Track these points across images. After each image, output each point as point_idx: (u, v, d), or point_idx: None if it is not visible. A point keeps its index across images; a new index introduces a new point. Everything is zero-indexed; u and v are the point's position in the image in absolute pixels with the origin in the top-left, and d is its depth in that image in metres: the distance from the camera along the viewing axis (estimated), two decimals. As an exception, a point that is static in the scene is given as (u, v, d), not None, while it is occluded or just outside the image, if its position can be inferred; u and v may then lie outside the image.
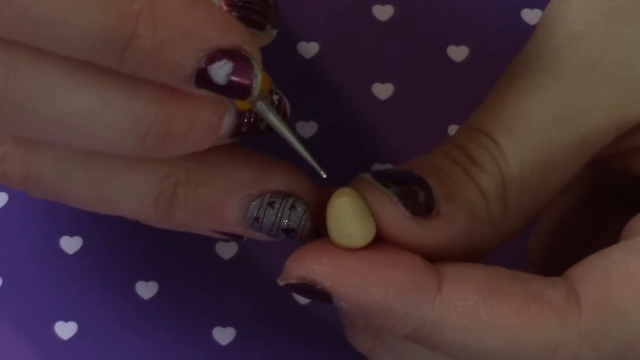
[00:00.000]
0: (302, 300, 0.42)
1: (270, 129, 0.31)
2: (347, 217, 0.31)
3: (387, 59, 0.45)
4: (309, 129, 0.44)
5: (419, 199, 0.31)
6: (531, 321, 0.30)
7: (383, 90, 0.45)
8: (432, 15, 0.46)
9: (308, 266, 0.31)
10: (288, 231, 0.32)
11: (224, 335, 0.41)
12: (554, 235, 0.39)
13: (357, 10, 0.46)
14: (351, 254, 0.31)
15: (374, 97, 0.45)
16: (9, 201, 0.43)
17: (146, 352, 0.41)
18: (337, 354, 0.40)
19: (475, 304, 0.30)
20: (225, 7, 0.29)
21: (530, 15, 0.46)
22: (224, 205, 0.32)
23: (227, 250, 0.42)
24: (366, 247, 0.31)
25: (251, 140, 0.32)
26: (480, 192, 0.32)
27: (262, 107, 0.30)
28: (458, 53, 0.46)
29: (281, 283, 0.31)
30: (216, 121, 0.30)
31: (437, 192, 0.32)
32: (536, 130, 0.32)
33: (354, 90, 0.45)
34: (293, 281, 0.31)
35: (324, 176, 0.31)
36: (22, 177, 0.31)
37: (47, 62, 0.28)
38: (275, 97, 0.32)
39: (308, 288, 0.31)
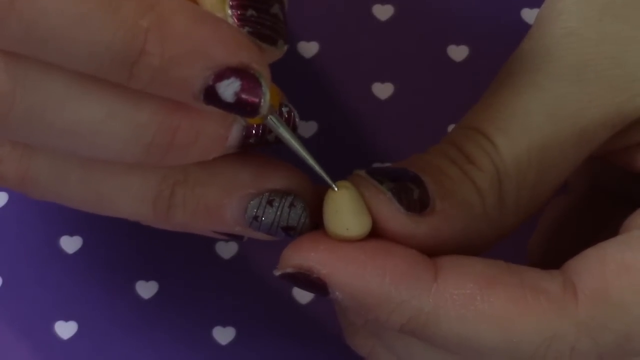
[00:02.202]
0: (302, 300, 0.42)
1: (278, 140, 0.31)
2: (344, 210, 0.31)
3: (387, 59, 0.45)
4: (309, 129, 0.44)
5: (413, 196, 0.31)
6: (528, 311, 0.30)
7: (383, 90, 0.45)
8: (432, 15, 0.46)
9: (304, 254, 0.31)
10: (288, 229, 0.32)
11: (224, 335, 0.41)
12: (554, 235, 0.39)
13: (357, 10, 0.46)
14: (348, 243, 0.31)
15: (374, 97, 0.45)
16: (9, 201, 0.43)
17: (146, 352, 0.41)
18: (337, 354, 0.40)
19: (471, 293, 0.30)
20: (237, 22, 0.29)
21: (530, 15, 0.46)
22: (222, 205, 0.32)
23: (227, 250, 0.42)
24: (362, 239, 0.31)
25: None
26: (476, 190, 0.32)
27: (272, 121, 0.30)
28: (458, 53, 0.46)
29: (277, 273, 0.31)
30: (223, 132, 0.30)
31: (432, 189, 0.32)
32: (532, 129, 0.32)
33: (354, 90, 0.45)
34: (289, 270, 0.31)
35: (335, 189, 0.31)
36: (20, 179, 0.31)
37: (54, 73, 0.28)
38: (285, 110, 0.32)
39: (304, 277, 0.31)
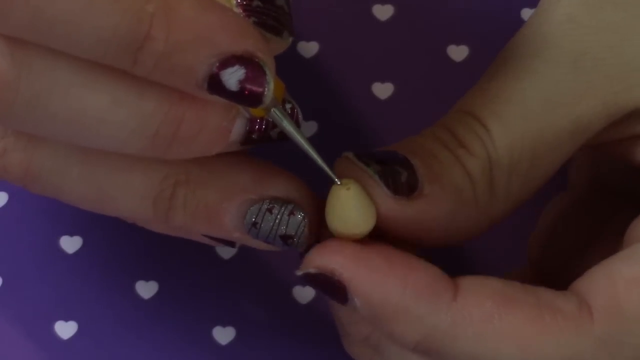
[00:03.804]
0: (302, 300, 0.42)
1: (281, 137, 0.31)
2: (350, 207, 0.31)
3: (387, 59, 0.45)
4: (309, 128, 0.44)
5: (401, 179, 0.31)
6: (545, 330, 0.30)
7: (383, 90, 0.45)
8: (432, 15, 0.46)
9: (329, 256, 0.31)
10: (286, 238, 0.32)
11: (224, 335, 0.41)
12: (554, 233, 0.39)
13: (357, 10, 0.46)
14: (373, 250, 0.31)
15: (374, 97, 0.45)
16: (9, 201, 0.43)
17: (146, 352, 0.41)
18: (337, 354, 0.40)
19: (489, 312, 0.30)
20: (242, 12, 0.29)
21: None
22: (222, 209, 0.32)
23: (227, 250, 0.42)
24: (386, 247, 0.31)
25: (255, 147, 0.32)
26: (467, 174, 0.32)
27: (276, 114, 0.30)
28: (458, 53, 0.46)
29: (299, 273, 0.31)
30: (226, 125, 0.30)
31: (422, 172, 0.32)
32: (526, 115, 0.32)
33: (354, 90, 0.45)
34: (311, 270, 0.31)
35: (339, 183, 0.31)
36: (22, 172, 0.31)
37: (59, 60, 0.28)
38: (288, 106, 0.32)
39: (325, 279, 0.31)
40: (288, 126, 0.30)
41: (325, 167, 0.31)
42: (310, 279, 0.31)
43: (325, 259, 0.31)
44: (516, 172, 0.32)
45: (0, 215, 0.43)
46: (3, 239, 0.43)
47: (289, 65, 0.45)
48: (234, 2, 0.29)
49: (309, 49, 0.46)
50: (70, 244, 0.43)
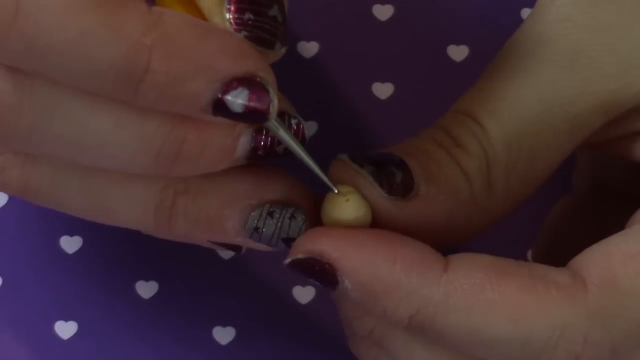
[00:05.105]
0: (302, 300, 0.42)
1: (287, 152, 0.31)
2: (347, 213, 0.31)
3: (387, 59, 0.45)
4: (309, 129, 0.44)
5: (396, 180, 0.31)
6: (538, 299, 0.30)
7: (383, 90, 0.45)
8: (432, 15, 0.46)
9: (316, 239, 0.31)
10: (288, 241, 0.32)
11: (224, 335, 0.41)
12: (559, 234, 0.39)
13: (357, 10, 0.46)
14: (360, 230, 0.31)
15: (374, 97, 0.45)
16: (9, 201, 0.43)
17: (146, 352, 0.41)
18: (337, 354, 0.40)
19: (481, 282, 0.30)
20: (234, 26, 0.29)
21: (530, 15, 0.46)
22: (223, 216, 0.32)
23: (227, 251, 0.42)
24: (372, 228, 0.31)
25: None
26: (463, 174, 0.32)
27: (272, 125, 0.30)
28: (458, 53, 0.46)
29: (287, 261, 0.31)
30: (230, 143, 0.30)
31: (417, 173, 0.32)
32: (523, 114, 0.32)
33: (354, 90, 0.45)
34: (300, 256, 0.31)
35: (335, 191, 0.31)
36: (21, 187, 0.31)
37: (60, 85, 0.28)
38: (294, 122, 0.32)
39: (314, 263, 0.31)
40: (284, 135, 0.30)
41: (322, 175, 0.31)
42: (299, 265, 0.31)
43: (313, 242, 0.31)
44: (514, 170, 0.32)
45: (0, 215, 0.43)
46: (3, 239, 0.43)
47: (289, 65, 0.45)
48: (226, 16, 0.29)
49: (309, 49, 0.46)
50: (70, 244, 0.43)
